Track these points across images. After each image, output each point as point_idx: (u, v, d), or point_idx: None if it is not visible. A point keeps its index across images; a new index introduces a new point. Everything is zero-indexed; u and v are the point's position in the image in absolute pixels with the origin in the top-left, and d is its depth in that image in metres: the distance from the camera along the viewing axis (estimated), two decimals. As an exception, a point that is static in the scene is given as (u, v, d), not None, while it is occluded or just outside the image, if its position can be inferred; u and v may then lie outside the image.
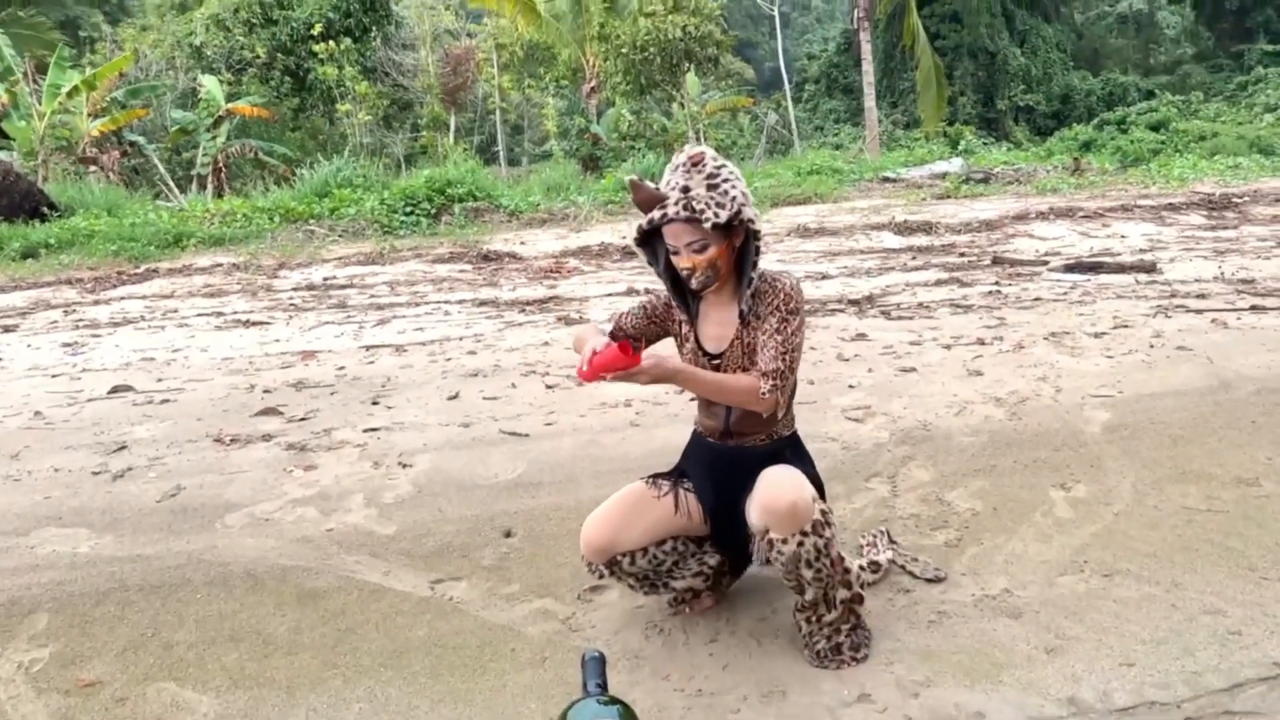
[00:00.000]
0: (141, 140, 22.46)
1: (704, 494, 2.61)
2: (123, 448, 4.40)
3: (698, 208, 2.26)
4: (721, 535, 2.64)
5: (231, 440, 4.39)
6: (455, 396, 4.99)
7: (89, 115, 20.42)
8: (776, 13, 30.48)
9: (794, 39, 56.83)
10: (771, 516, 2.30)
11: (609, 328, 2.60)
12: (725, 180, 2.29)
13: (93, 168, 20.10)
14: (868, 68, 25.12)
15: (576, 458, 3.95)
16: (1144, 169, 15.79)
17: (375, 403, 4.95)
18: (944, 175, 14.67)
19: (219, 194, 20.69)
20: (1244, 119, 27.46)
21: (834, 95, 38.90)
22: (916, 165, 16.70)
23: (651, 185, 2.33)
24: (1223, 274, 7.27)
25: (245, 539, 3.38)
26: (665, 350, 2.38)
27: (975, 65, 35.44)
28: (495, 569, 3.15)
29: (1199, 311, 5.99)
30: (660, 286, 2.56)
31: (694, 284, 2.37)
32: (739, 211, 2.29)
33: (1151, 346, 5.21)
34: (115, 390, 5.52)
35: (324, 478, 3.86)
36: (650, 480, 2.65)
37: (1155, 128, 26.15)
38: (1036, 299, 6.71)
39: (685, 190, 2.28)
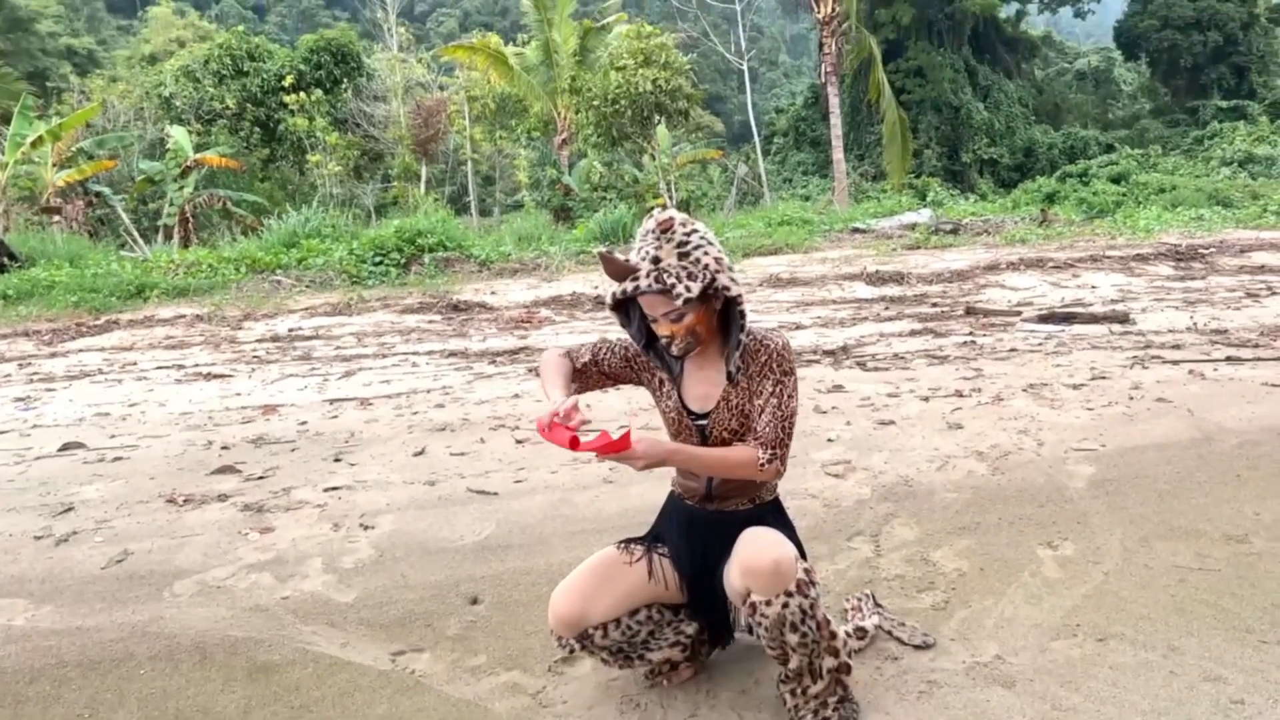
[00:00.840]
0: (106, 191, 22.22)
1: (681, 559, 2.47)
2: (69, 509, 4.18)
3: (668, 281, 2.16)
4: (700, 603, 2.49)
5: (185, 501, 4.18)
6: (421, 452, 4.82)
7: (54, 165, 20.20)
8: (745, 68, 30.92)
9: (762, 93, 57.82)
10: (754, 576, 2.17)
11: (585, 357, 2.46)
12: (696, 247, 2.20)
13: (56, 218, 19.84)
14: (835, 121, 25.48)
15: (548, 517, 3.79)
16: (1110, 220, 16.01)
17: (337, 459, 4.76)
18: (913, 226, 14.79)
19: (185, 244, 20.44)
20: (1201, 172, 28.09)
21: (802, 148, 39.45)
22: (886, 216, 16.83)
23: (621, 257, 2.23)
24: (1195, 324, 7.29)
25: (194, 608, 3.18)
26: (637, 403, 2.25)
27: (940, 119, 36.12)
28: (460, 639, 2.98)
29: (1175, 362, 5.97)
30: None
31: (674, 351, 2.28)
32: (713, 280, 2.19)
33: (1131, 398, 5.15)
34: (66, 448, 5.29)
35: (281, 541, 3.67)
36: (622, 545, 2.50)
37: (1116, 180, 26.66)
38: (1012, 350, 6.67)
39: (656, 261, 2.18)
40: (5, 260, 14.54)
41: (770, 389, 2.27)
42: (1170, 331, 7.02)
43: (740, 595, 2.22)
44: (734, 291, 2.24)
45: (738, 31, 31.79)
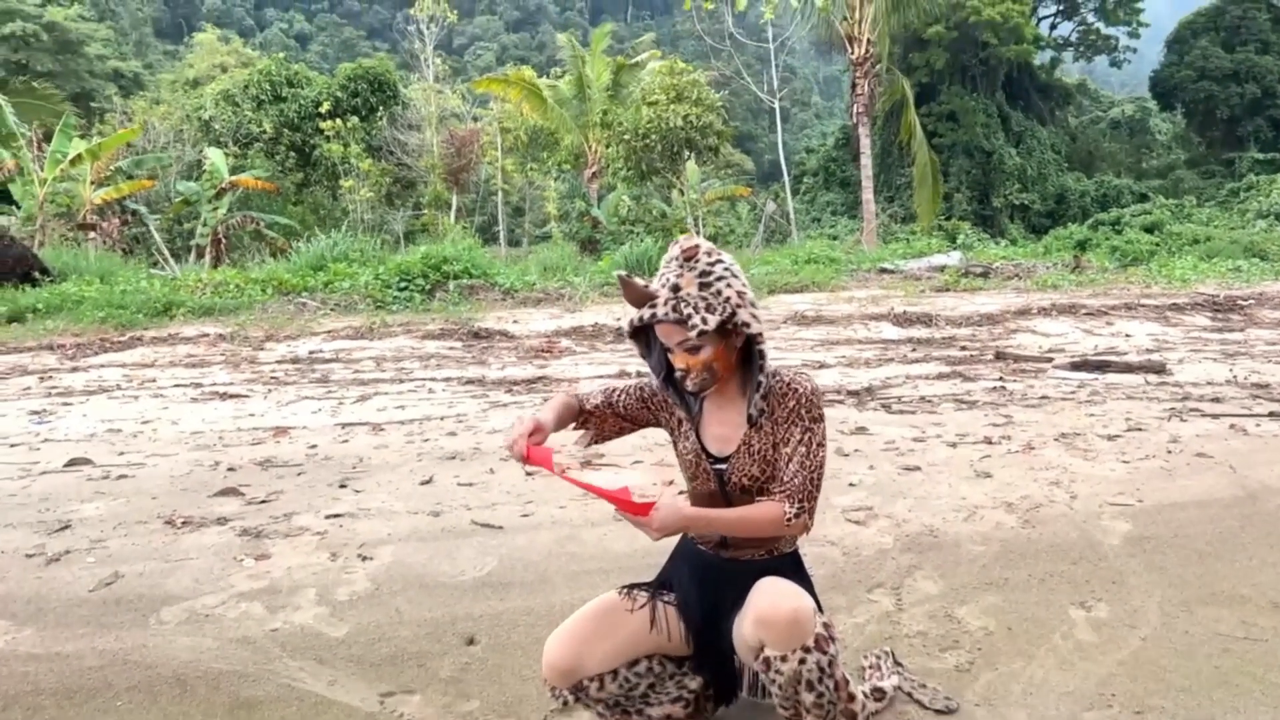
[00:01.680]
0: (142, 209, 22.50)
1: (689, 609, 2.30)
2: (66, 527, 4.07)
3: (685, 311, 2.04)
4: (706, 657, 2.32)
5: (183, 523, 4.07)
6: (429, 481, 4.68)
7: (92, 183, 20.48)
8: (777, 106, 30.98)
9: (793, 133, 57.97)
10: (769, 628, 2.00)
11: (597, 399, 2.33)
12: (719, 278, 2.08)
13: (92, 235, 20.07)
14: (866, 161, 25.40)
15: (552, 555, 3.63)
16: (1144, 268, 15.74)
17: (343, 485, 4.64)
18: (942, 268, 14.59)
19: (216, 264, 20.63)
20: (1236, 224, 27.72)
21: (831, 188, 39.41)
22: (915, 258, 16.64)
23: (641, 282, 2.11)
24: (1235, 377, 7.05)
25: (179, 637, 3.04)
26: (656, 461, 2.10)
27: (971, 163, 35.99)
28: (454, 682, 2.82)
29: (1215, 416, 5.74)
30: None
31: (689, 386, 2.14)
32: (733, 314, 2.06)
33: (1169, 452, 4.94)
34: (72, 463, 5.21)
35: (276, 569, 3.54)
36: (625, 591, 2.34)
37: (1149, 229, 26.35)
38: (1043, 397, 6.47)
39: (675, 289, 2.07)
40: (37, 275, 14.66)
41: (799, 436, 2.12)
42: (1209, 384, 6.79)
43: (753, 650, 2.06)
44: (754, 329, 2.11)
45: (770, 71, 31.91)
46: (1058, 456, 4.90)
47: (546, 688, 2.26)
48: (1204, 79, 39.53)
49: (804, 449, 2.11)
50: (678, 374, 2.14)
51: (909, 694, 2.63)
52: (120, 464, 5.21)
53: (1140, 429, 5.44)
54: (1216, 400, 6.18)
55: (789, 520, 2.09)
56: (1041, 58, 42.82)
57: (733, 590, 2.20)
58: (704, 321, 2.03)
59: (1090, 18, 45.47)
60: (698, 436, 2.24)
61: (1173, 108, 43.00)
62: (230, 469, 5.04)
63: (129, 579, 3.46)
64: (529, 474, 4.79)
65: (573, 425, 2.33)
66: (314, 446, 5.55)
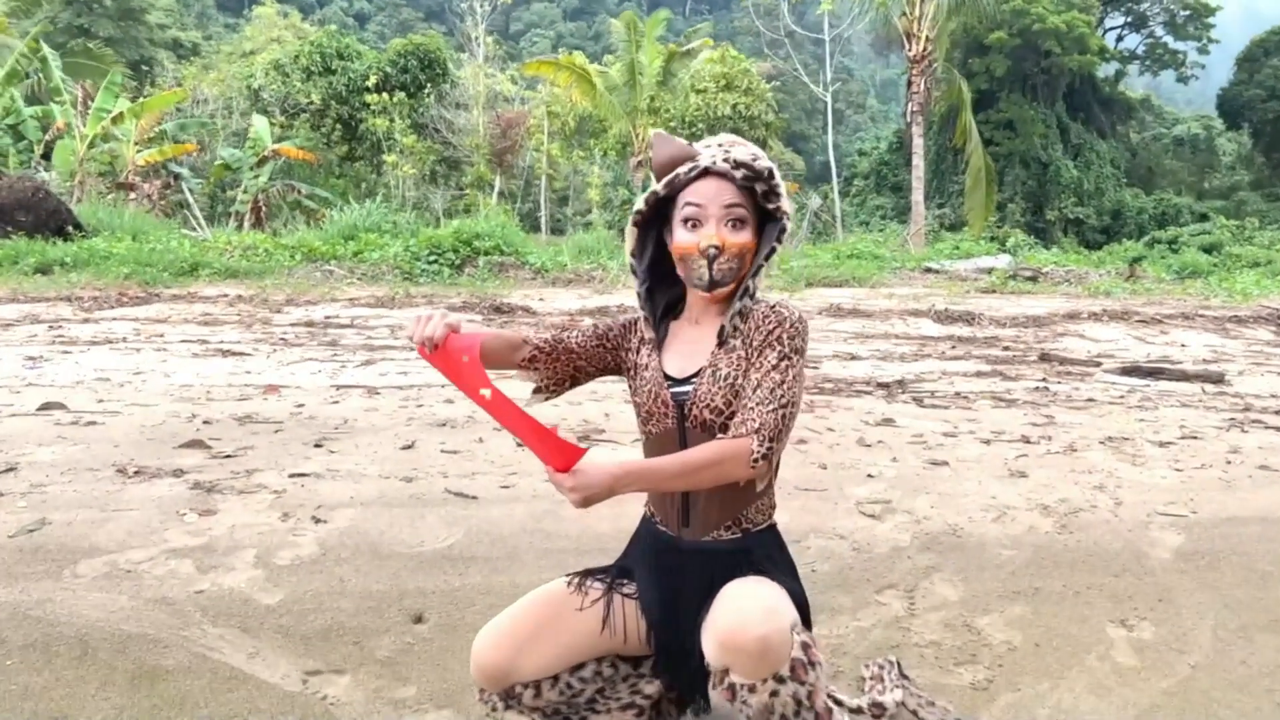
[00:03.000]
0: (183, 171, 22.52)
1: (647, 600, 1.91)
2: (11, 469, 3.78)
3: (746, 156, 1.73)
4: (669, 659, 1.92)
5: (135, 473, 3.75)
6: (410, 446, 4.33)
7: (136, 144, 20.50)
8: (829, 103, 30.36)
9: (846, 135, 57.06)
10: (735, 654, 1.59)
11: (546, 335, 1.93)
12: (769, 165, 1.77)
13: (132, 195, 20.09)
14: (918, 161, 24.75)
15: (525, 530, 3.25)
16: (1203, 281, 15.02)
17: (318, 445, 4.30)
18: (990, 270, 14.00)
19: (255, 230, 20.56)
20: (1299, 249, 26.66)
21: (882, 193, 38.61)
22: (962, 258, 16.03)
23: (683, 140, 1.76)
24: (1301, 393, 6.49)
25: (92, 593, 2.71)
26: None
27: (1027, 174, 35.08)
28: (391, 663, 2.47)
29: (1280, 429, 5.23)
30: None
31: (714, 273, 1.74)
32: (779, 205, 1.75)
33: (1228, 463, 4.44)
34: (44, 407, 4.94)
35: (218, 526, 3.20)
36: (575, 581, 1.93)
37: (1208, 250, 25.40)
38: (1089, 400, 5.96)
39: (726, 150, 1.76)
40: (70, 229, 14.61)
41: (773, 362, 1.70)
42: (1273, 396, 6.24)
43: (718, 673, 1.66)
44: (782, 241, 1.78)
45: (825, 70, 31.32)
46: (1103, 460, 4.43)
47: (476, 689, 1.87)
48: (1274, 99, 38.21)
49: (777, 376, 1.70)
50: (700, 258, 1.74)
51: (914, 711, 2.21)
52: (95, 411, 4.93)
53: (1196, 437, 4.94)
54: (1281, 414, 5.65)
55: (754, 461, 1.66)
56: (1106, 70, 41.64)
57: (697, 580, 1.80)
58: (771, 176, 1.73)
59: (1159, 31, 44.17)
60: (660, 363, 1.85)
61: (1239, 127, 41.64)
62: (206, 422, 4.73)
63: (55, 527, 3.14)
64: (519, 445, 4.43)
65: (517, 366, 1.94)
66: (301, 405, 5.23)
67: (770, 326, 1.74)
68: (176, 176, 22.73)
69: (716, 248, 1.73)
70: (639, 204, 1.84)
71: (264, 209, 22.73)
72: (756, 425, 1.67)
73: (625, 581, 1.93)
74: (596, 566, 2.00)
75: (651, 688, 1.95)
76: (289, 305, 10.51)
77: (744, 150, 1.77)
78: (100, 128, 19.06)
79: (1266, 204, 37.28)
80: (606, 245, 16.98)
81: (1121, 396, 6.10)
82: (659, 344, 1.87)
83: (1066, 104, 38.39)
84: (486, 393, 1.66)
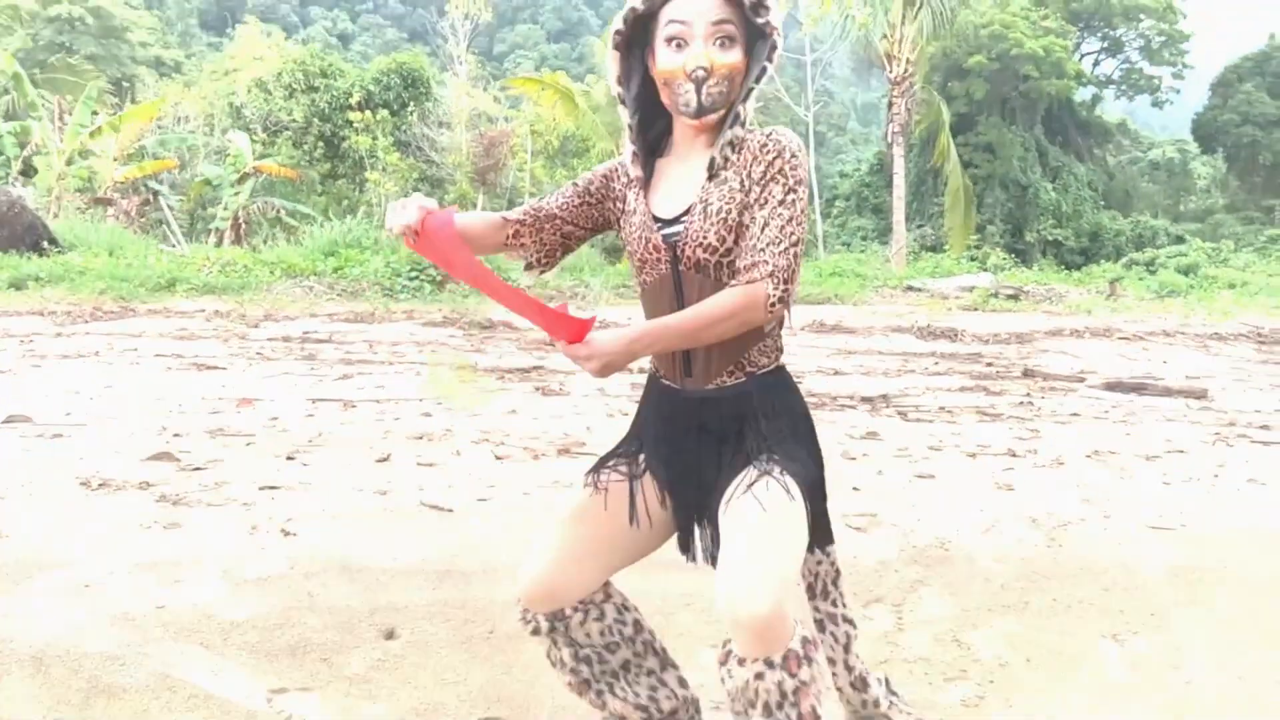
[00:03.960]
0: (161, 188, 22.35)
1: (658, 462, 1.82)
2: (-31, 482, 3.65)
3: None
4: (684, 512, 1.83)
5: (100, 485, 3.63)
6: (385, 459, 4.22)
7: (115, 160, 20.32)
8: (811, 125, 30.52)
9: (827, 157, 57.36)
10: (732, 626, 1.53)
11: (524, 208, 1.84)
12: None
13: (109, 210, 19.90)
14: (899, 183, 24.87)
15: (503, 544, 3.15)
16: (1183, 299, 15.11)
17: (290, 458, 4.19)
18: (971, 288, 14.04)
19: (234, 246, 20.40)
20: (1274, 271, 26.92)
21: (863, 214, 38.76)
22: (944, 276, 16.06)
23: None
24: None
25: (50, 609, 2.60)
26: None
27: (1006, 196, 35.35)
28: (361, 681, 2.37)
29: (1265, 443, 5.19)
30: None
31: (702, 99, 1.63)
32: (770, 10, 1.64)
33: (1216, 477, 4.40)
34: (9, 420, 4.80)
35: (184, 539, 3.08)
36: (592, 480, 1.84)
37: (1184, 271, 25.61)
38: (1074, 414, 5.93)
39: None
40: (45, 244, 14.43)
41: (780, 197, 1.60)
42: (1256, 411, 6.22)
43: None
44: (774, 58, 1.67)
45: (807, 93, 31.50)
46: (1090, 473, 4.37)
47: (519, 612, 1.81)
48: (1247, 123, 38.78)
49: (785, 213, 1.60)
50: (688, 83, 1.63)
51: None
52: (61, 424, 4.80)
53: (1181, 451, 4.90)
54: (1266, 428, 5.62)
55: (772, 305, 1.58)
56: (1083, 94, 42.14)
57: (706, 427, 1.73)
58: None
59: (1134, 57, 44.75)
60: (647, 204, 1.75)
61: (1214, 151, 42.19)
62: (176, 435, 4.61)
63: (13, 540, 3.02)
64: (498, 459, 4.33)
65: (504, 247, 1.82)
66: (275, 418, 5.11)
67: (770, 157, 1.63)
68: (155, 193, 22.54)
69: (704, 69, 1.62)
70: (616, 23, 1.73)
71: (244, 226, 22.57)
72: (770, 269, 1.58)
73: (637, 460, 1.85)
74: (610, 452, 1.90)
75: (668, 703, 1.88)
76: (266, 321, 10.37)
77: None
78: (78, 143, 18.89)
79: (1242, 226, 37.70)
80: (589, 262, 16.93)
81: (1105, 411, 6.07)
82: (646, 184, 1.76)
83: (1045, 127, 38.75)
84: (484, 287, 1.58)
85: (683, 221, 1.69)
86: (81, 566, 2.84)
